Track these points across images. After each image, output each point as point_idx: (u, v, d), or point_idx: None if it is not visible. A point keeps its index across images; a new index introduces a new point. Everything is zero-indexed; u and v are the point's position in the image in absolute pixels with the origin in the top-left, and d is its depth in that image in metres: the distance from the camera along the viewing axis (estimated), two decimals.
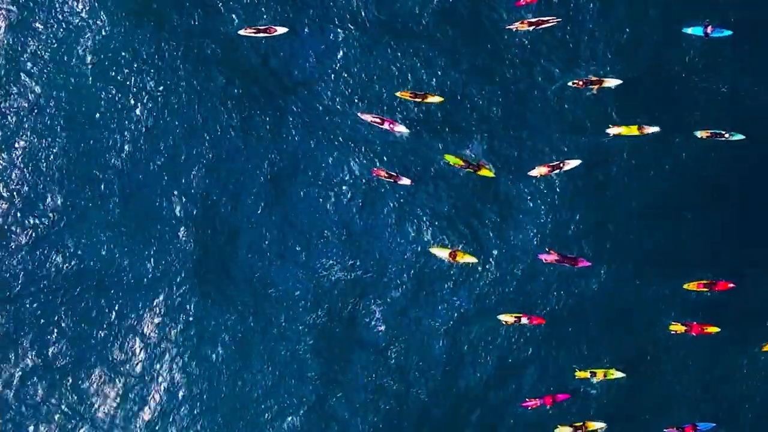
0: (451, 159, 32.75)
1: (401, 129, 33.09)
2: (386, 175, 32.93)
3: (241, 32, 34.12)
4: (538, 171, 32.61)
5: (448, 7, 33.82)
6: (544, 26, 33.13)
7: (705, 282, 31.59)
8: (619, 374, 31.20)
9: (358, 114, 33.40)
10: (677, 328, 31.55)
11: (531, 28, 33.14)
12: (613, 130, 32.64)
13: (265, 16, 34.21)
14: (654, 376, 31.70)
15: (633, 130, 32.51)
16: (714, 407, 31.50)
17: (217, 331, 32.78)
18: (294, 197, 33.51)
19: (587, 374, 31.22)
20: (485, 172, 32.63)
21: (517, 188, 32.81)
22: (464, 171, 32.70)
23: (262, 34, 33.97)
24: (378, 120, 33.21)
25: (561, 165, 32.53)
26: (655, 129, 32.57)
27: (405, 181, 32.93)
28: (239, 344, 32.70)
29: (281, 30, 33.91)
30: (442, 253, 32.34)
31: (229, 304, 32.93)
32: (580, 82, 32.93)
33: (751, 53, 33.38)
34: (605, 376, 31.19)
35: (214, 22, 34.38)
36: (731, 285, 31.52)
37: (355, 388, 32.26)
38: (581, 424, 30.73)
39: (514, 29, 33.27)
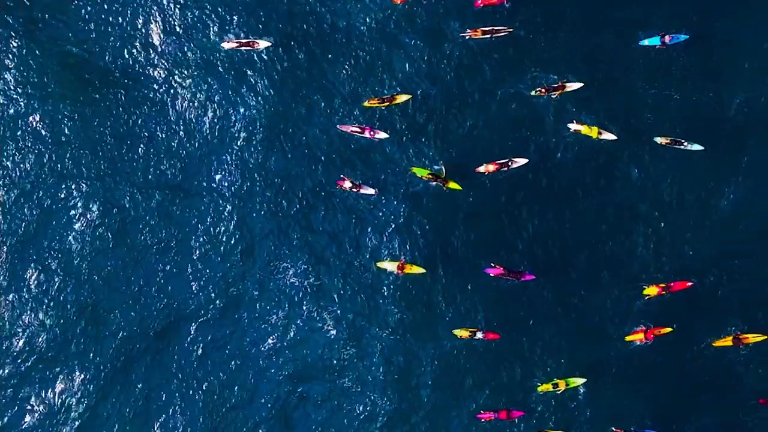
0: (418, 171, 32.50)
1: (382, 135, 32.84)
2: (350, 185, 32.61)
3: (224, 44, 33.99)
4: (485, 168, 32.37)
5: (407, 16, 33.91)
6: (497, 35, 33.00)
7: (662, 285, 31.24)
8: (580, 380, 31.06)
9: (338, 126, 33.13)
10: (634, 337, 31.30)
11: (485, 37, 33.05)
12: (573, 126, 32.35)
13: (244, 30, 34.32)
14: (610, 381, 31.60)
15: (592, 132, 32.18)
16: (664, 409, 31.46)
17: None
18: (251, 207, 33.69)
19: (549, 386, 31.04)
20: (453, 185, 32.32)
21: (468, 200, 32.73)
22: (433, 183, 32.44)
23: (244, 48, 33.81)
24: (358, 129, 32.91)
25: (509, 163, 32.31)
26: (612, 137, 32.17)
27: (369, 190, 32.71)
28: (207, 341, 33.11)
29: (264, 43, 33.69)
30: (391, 266, 32.19)
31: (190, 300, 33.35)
32: (542, 90, 32.71)
33: (706, 58, 33.25)
34: (567, 385, 30.99)
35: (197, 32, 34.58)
36: (689, 284, 31.38)
37: (311, 386, 32.57)
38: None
39: (467, 37, 33.19)
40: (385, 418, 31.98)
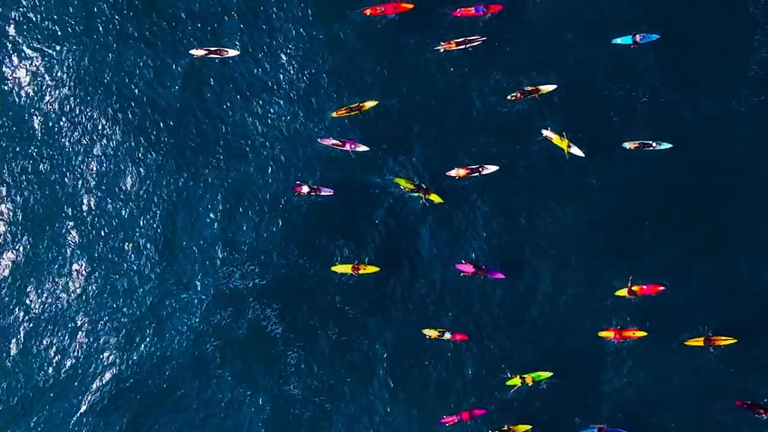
0: (401, 182, 33.33)
1: (362, 148, 33.58)
2: (308, 189, 33.49)
3: (193, 52, 34.98)
4: (456, 172, 33.22)
5: (378, 28, 35.08)
6: (471, 45, 33.97)
7: (635, 288, 31.70)
8: (547, 374, 31.61)
9: (318, 140, 34.09)
10: (606, 334, 31.65)
11: (459, 48, 34.07)
12: (546, 133, 33.03)
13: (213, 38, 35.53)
14: (579, 377, 32.08)
15: (562, 144, 32.75)
16: (636, 407, 31.78)
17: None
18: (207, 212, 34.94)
19: (518, 380, 31.65)
20: (434, 197, 33.12)
21: (436, 203, 33.55)
22: (415, 195, 33.24)
23: (213, 55, 34.68)
24: (339, 143, 33.65)
25: (480, 168, 33.10)
26: (580, 153, 32.75)
27: (327, 191, 33.60)
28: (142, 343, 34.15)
29: (232, 52, 34.73)
30: (344, 269, 32.98)
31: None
32: (518, 94, 33.49)
33: (676, 60, 33.46)
34: (533, 380, 31.58)
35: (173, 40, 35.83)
36: (661, 288, 31.70)
37: (260, 388, 33.38)
38: (507, 428, 31.28)
39: (442, 50, 34.22)
40: (344, 419, 32.90)
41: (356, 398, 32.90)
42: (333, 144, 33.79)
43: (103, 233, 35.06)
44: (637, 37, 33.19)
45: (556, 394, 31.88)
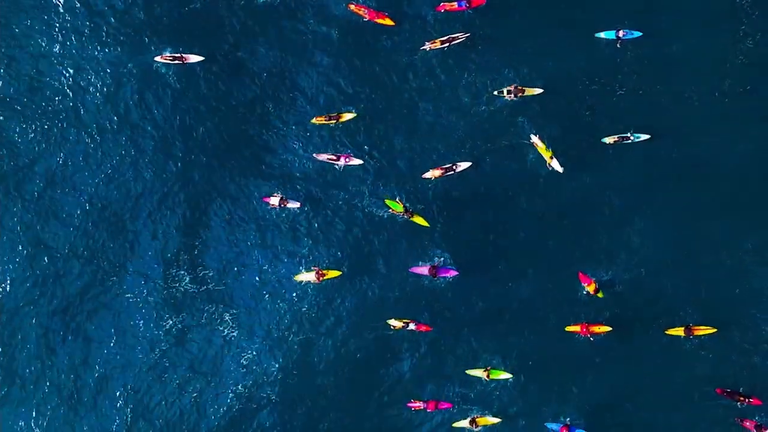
0: (392, 204, 33.90)
1: (356, 162, 34.26)
2: (278, 201, 34.13)
3: (158, 59, 35.39)
4: (432, 173, 33.92)
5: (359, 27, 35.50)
6: (455, 42, 34.57)
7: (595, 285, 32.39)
8: (506, 375, 32.38)
9: (313, 155, 34.53)
10: (574, 328, 32.31)
11: (444, 46, 34.71)
12: (534, 139, 33.58)
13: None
14: (542, 374, 32.88)
15: (546, 155, 33.34)
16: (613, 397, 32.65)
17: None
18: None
19: (480, 371, 32.43)
20: (419, 221, 33.68)
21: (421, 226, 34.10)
22: (402, 217, 33.81)
23: (176, 62, 35.16)
24: (333, 157, 34.28)
25: (453, 167, 33.78)
26: (559, 169, 33.29)
27: (294, 204, 34.30)
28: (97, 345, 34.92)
29: (195, 58, 35.19)
30: (308, 276, 33.73)
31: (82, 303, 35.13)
32: (504, 92, 34.14)
33: (657, 54, 33.92)
34: (488, 376, 32.34)
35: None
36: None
37: (217, 387, 34.32)
38: (472, 418, 32.15)
39: (427, 49, 34.83)
40: (306, 407, 33.77)
41: (322, 390, 33.85)
42: (328, 159, 34.34)
43: None
44: (621, 33, 33.68)
45: (525, 389, 32.72)
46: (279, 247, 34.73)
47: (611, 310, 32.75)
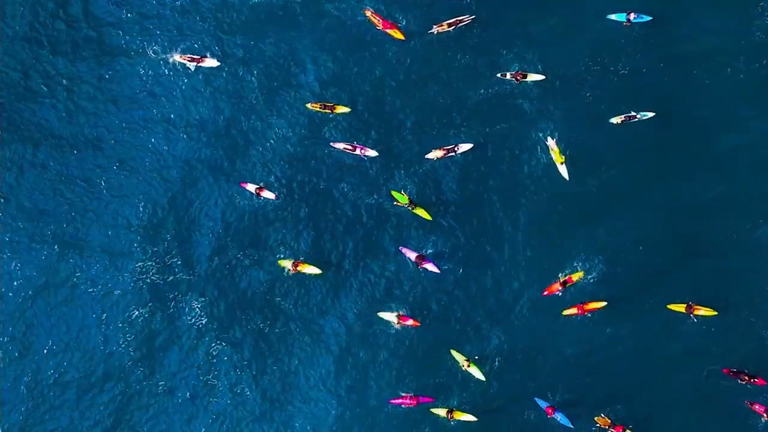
0: (397, 196, 34.30)
1: (371, 153, 34.83)
2: (254, 188, 34.38)
3: (176, 57, 35.99)
4: (434, 154, 34.41)
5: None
6: (462, 25, 35.08)
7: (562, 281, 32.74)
8: (481, 376, 32.17)
9: (331, 144, 34.91)
10: (569, 311, 32.67)
11: (451, 29, 35.20)
12: (550, 142, 33.77)
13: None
14: (545, 359, 32.81)
15: (558, 159, 33.50)
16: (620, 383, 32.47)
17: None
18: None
19: (461, 359, 32.40)
20: (422, 213, 33.98)
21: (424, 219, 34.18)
22: (406, 209, 33.88)
23: (194, 63, 35.94)
24: (350, 147, 34.89)
25: (455, 148, 34.26)
26: (566, 175, 33.50)
27: (270, 195, 34.61)
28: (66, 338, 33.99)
29: (212, 62, 35.87)
30: (286, 264, 33.68)
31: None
32: (508, 75, 34.57)
33: (664, 37, 33.91)
34: (468, 366, 32.20)
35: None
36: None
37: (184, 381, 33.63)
38: (450, 410, 32.03)
39: (435, 33, 35.37)
40: (296, 403, 33.05)
41: (308, 381, 33.29)
42: (344, 148, 34.92)
43: None
44: (631, 16, 33.99)
45: (528, 370, 32.63)
46: (260, 235, 34.49)
47: (607, 291, 32.77)
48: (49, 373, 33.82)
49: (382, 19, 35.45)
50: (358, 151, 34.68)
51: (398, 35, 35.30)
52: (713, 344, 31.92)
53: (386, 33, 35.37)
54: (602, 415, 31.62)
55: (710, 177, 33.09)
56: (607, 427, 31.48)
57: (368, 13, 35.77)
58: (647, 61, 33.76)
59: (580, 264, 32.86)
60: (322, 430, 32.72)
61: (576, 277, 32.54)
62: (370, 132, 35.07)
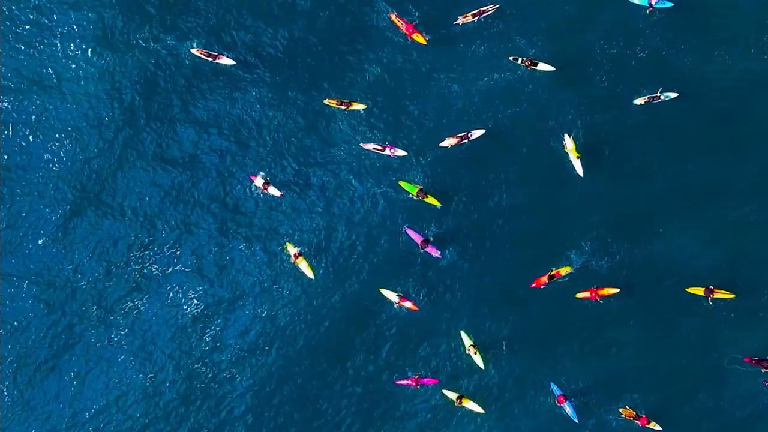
0: (406, 186, 34.91)
1: (400, 153, 35.41)
2: (262, 183, 34.95)
3: (193, 50, 37.04)
4: (448, 142, 34.97)
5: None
6: (486, 14, 35.81)
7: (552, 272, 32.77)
8: (481, 364, 32.48)
9: (360, 144, 35.58)
10: (583, 295, 32.64)
11: (475, 19, 35.95)
12: (567, 140, 33.84)
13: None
14: (556, 343, 32.94)
15: (573, 155, 33.67)
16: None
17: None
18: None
19: (468, 342, 32.67)
20: (432, 201, 34.56)
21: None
22: (416, 198, 34.26)
23: (209, 59, 35.98)
24: (379, 147, 35.58)
25: (468, 135, 34.78)
26: (580, 172, 33.57)
27: (275, 192, 35.12)
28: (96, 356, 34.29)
29: (228, 61, 36.54)
30: (292, 250, 34.23)
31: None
32: (519, 60, 35.04)
33: (686, 20, 33.91)
34: (474, 352, 32.40)
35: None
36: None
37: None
38: (460, 396, 32.29)
39: (460, 23, 36.10)
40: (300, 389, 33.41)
41: (314, 365, 33.65)
42: (374, 149, 35.55)
43: None
44: (653, 0, 34.07)
45: (540, 356, 32.75)
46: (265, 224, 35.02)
47: (623, 275, 32.72)
48: None
49: (406, 23, 36.17)
50: (387, 151, 35.16)
51: (421, 40, 35.80)
52: (732, 330, 31.44)
53: (410, 39, 35.84)
54: (627, 407, 31.49)
55: (731, 158, 32.69)
56: (631, 418, 31.35)
57: (393, 17, 36.44)
58: (666, 43, 33.72)
59: (590, 250, 32.96)
60: None
61: (564, 271, 32.60)
62: (386, 128, 35.64)
